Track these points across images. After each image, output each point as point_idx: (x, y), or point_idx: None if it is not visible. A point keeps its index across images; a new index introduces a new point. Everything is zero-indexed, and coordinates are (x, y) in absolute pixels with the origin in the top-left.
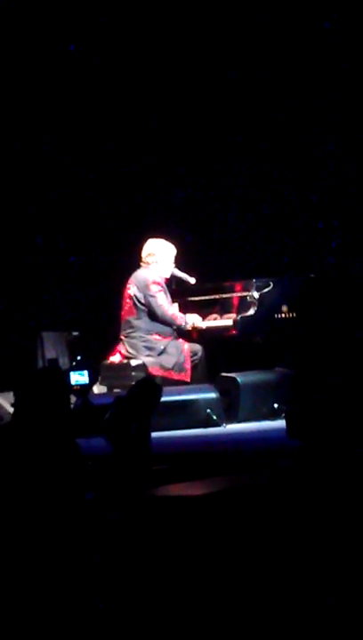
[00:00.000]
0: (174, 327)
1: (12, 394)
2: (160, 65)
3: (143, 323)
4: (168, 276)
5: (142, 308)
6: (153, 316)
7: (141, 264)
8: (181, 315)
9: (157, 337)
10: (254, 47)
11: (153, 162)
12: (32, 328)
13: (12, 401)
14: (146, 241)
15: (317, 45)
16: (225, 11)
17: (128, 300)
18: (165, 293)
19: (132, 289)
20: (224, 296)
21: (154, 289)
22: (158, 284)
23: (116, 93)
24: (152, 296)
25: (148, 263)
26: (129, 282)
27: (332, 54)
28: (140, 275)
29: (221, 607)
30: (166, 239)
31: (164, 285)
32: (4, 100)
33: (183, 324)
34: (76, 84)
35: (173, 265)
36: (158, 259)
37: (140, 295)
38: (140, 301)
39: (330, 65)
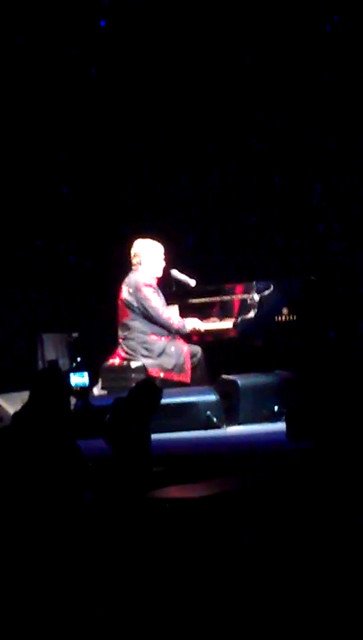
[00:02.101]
0: (173, 330)
1: (12, 395)
2: (160, 64)
3: (139, 324)
4: (159, 275)
5: (136, 310)
6: (148, 318)
7: (132, 267)
8: (178, 318)
9: (154, 337)
10: (254, 45)
11: (154, 164)
12: (32, 329)
13: (12, 402)
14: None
15: (318, 46)
16: (225, 14)
17: (122, 304)
18: (158, 294)
19: (124, 293)
20: (224, 298)
21: (146, 291)
22: (149, 285)
23: (115, 94)
24: (145, 298)
25: (135, 264)
26: (122, 286)
27: (333, 56)
28: (131, 278)
29: (220, 609)
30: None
31: (155, 286)
32: (3, 101)
33: (181, 327)
34: (76, 88)
35: (164, 263)
36: (143, 259)
37: (132, 299)
38: (133, 304)
39: (332, 67)
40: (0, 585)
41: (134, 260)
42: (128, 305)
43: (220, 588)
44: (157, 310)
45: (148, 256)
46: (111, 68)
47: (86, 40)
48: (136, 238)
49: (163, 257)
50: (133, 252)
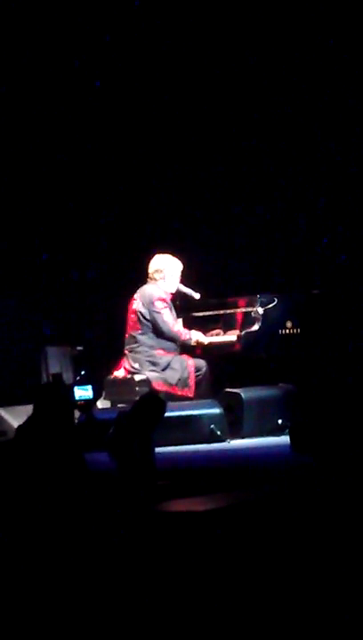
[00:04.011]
0: (179, 343)
1: (16, 408)
2: (161, 81)
3: (147, 338)
4: (174, 292)
5: (147, 323)
6: (158, 332)
7: (148, 279)
8: (185, 331)
9: (161, 352)
10: (253, 56)
11: (158, 178)
12: (36, 343)
13: (16, 415)
14: (153, 256)
15: (317, 57)
16: (224, 16)
17: (133, 316)
18: (171, 309)
19: (137, 304)
20: (228, 312)
21: (159, 305)
22: (164, 300)
23: (119, 106)
24: (157, 312)
25: (155, 279)
26: (134, 297)
27: (334, 69)
28: (146, 290)
29: (224, 622)
30: (171, 254)
31: (169, 301)
32: (9, 116)
33: (188, 339)
34: (79, 102)
35: (179, 280)
36: (166, 275)
37: (145, 311)
38: (144, 317)
39: (333, 81)
40: (5, 597)
41: (156, 275)
42: (139, 317)
43: (224, 601)
44: (168, 325)
45: (170, 272)
46: (116, 85)
47: (90, 53)
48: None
49: (180, 274)
50: (154, 266)
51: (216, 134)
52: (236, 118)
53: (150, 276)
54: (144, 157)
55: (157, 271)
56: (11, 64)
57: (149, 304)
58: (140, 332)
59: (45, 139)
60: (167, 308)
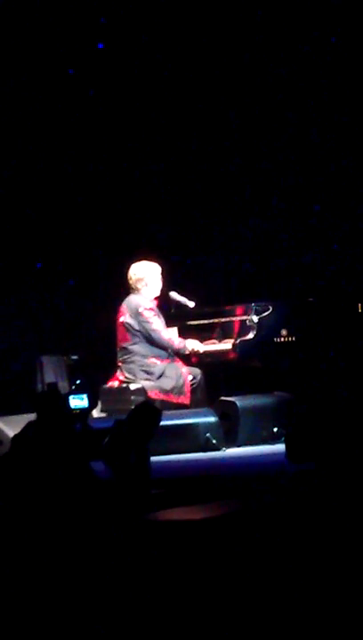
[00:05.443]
0: (171, 351)
1: (12, 418)
2: (155, 90)
3: (139, 348)
4: (158, 294)
5: (137, 333)
6: (150, 341)
7: (131, 290)
8: (179, 339)
9: (154, 360)
10: (251, 65)
11: (151, 185)
12: (31, 352)
13: (12, 425)
14: (130, 267)
15: (318, 63)
16: (223, 21)
17: (121, 328)
18: (159, 317)
19: (124, 316)
20: (223, 320)
21: (147, 315)
22: (151, 309)
23: (110, 114)
24: (146, 322)
25: (138, 289)
26: (121, 309)
27: (335, 78)
28: (131, 301)
29: (220, 631)
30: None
31: (156, 309)
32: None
33: (182, 348)
34: (73, 113)
35: (161, 283)
36: (148, 282)
37: (133, 322)
38: (133, 328)
39: (333, 90)
40: (4, 608)
41: (139, 285)
42: (128, 328)
43: (220, 610)
44: (158, 333)
45: (152, 279)
46: (110, 91)
47: (85, 61)
48: (131, 263)
49: (161, 277)
50: (135, 276)
51: (211, 141)
52: (231, 123)
53: (133, 286)
54: (139, 166)
55: (138, 280)
56: (7, 70)
57: (137, 315)
58: (130, 342)
59: (41, 147)
60: (156, 316)
